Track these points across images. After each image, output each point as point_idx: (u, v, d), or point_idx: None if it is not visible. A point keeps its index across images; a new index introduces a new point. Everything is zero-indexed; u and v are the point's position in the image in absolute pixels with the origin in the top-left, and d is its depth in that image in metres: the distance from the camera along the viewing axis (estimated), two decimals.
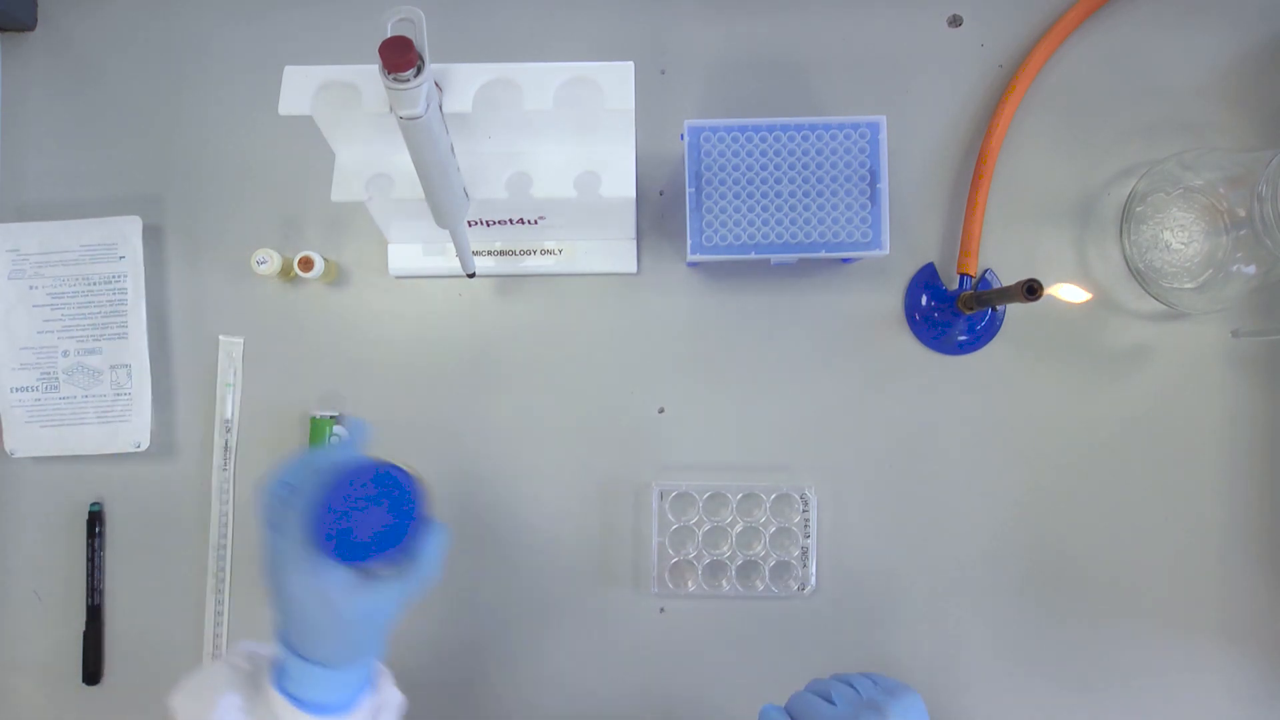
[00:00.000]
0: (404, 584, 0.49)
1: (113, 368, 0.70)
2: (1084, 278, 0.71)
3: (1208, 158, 0.67)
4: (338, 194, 0.60)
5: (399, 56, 0.45)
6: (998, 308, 0.70)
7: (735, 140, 0.63)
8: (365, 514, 0.48)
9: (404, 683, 0.65)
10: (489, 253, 0.70)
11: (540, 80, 0.55)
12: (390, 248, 0.70)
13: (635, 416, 0.70)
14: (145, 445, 0.69)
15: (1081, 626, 0.69)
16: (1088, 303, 0.70)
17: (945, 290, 0.70)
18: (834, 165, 0.63)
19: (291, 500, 0.48)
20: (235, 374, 0.71)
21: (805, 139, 0.63)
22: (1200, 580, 0.69)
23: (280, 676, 0.49)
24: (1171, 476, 0.69)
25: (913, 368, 0.70)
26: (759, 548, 0.68)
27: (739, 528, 0.68)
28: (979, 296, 0.65)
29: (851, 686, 0.53)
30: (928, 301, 0.70)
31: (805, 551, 0.68)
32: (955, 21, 0.72)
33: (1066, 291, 0.70)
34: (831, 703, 0.52)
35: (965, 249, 0.69)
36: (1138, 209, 0.69)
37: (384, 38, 0.45)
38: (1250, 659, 0.68)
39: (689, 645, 0.69)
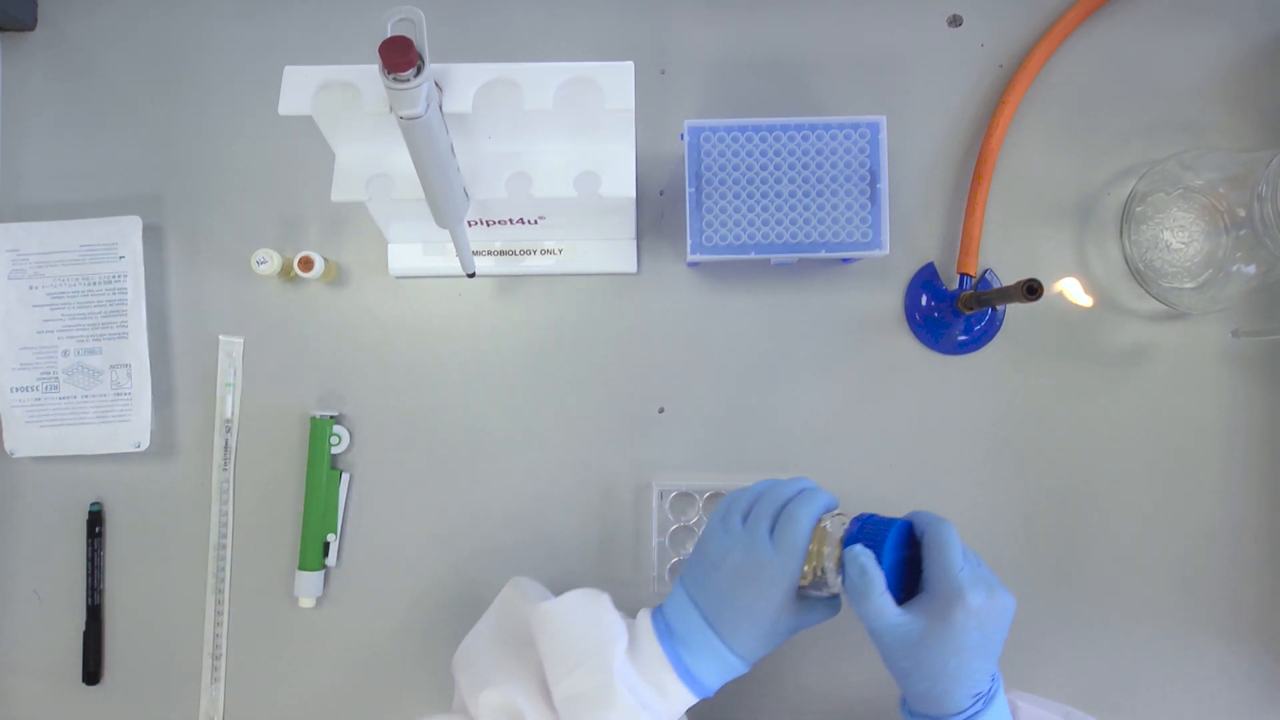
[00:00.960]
0: (829, 612, 0.54)
1: (113, 368, 0.70)
2: (1084, 278, 0.71)
3: (1208, 158, 0.67)
4: (338, 194, 0.60)
5: (399, 56, 0.45)
6: (998, 308, 0.70)
7: (735, 140, 0.63)
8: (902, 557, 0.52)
9: (404, 680, 0.65)
10: (489, 253, 0.70)
11: (540, 80, 0.55)
12: (390, 248, 0.70)
13: (635, 416, 0.70)
14: (145, 445, 0.69)
15: (1081, 625, 0.69)
16: (1087, 302, 0.70)
17: (945, 290, 0.70)
18: (834, 165, 0.63)
19: (794, 522, 0.51)
20: (235, 374, 0.71)
21: (805, 139, 0.63)
22: (1200, 580, 0.69)
23: (673, 640, 0.52)
24: (1171, 476, 0.69)
25: (913, 368, 0.70)
26: None
27: None
28: (979, 296, 0.65)
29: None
30: (928, 301, 0.70)
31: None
32: (955, 21, 0.72)
33: (1069, 286, 0.71)
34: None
35: (965, 249, 0.69)
36: (1138, 209, 0.69)
37: (384, 38, 0.45)
38: (1250, 658, 0.68)
39: None
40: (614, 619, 0.53)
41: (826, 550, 0.51)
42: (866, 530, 0.51)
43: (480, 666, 0.54)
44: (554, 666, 0.51)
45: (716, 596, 0.52)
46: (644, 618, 0.53)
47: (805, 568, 0.52)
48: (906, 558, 0.52)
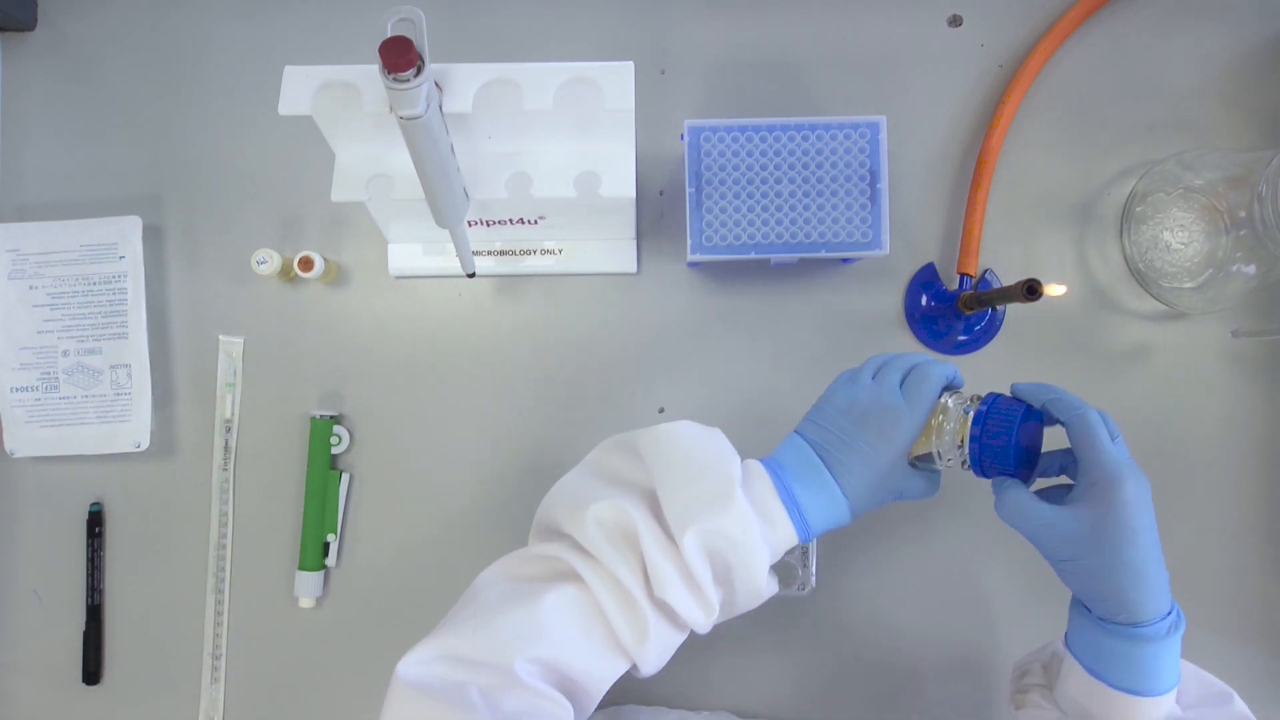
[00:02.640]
0: (929, 488, 0.54)
1: (113, 368, 0.70)
2: (1084, 278, 0.71)
3: (1208, 158, 0.67)
4: (338, 194, 0.60)
5: (399, 56, 0.45)
6: (998, 308, 0.70)
7: (735, 140, 0.63)
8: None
9: None
10: (489, 253, 0.70)
11: (540, 80, 0.55)
12: (390, 248, 0.70)
13: (635, 416, 0.70)
14: (145, 445, 0.69)
15: None
16: (1087, 303, 0.70)
17: (945, 290, 0.70)
18: (834, 165, 0.63)
19: (925, 378, 0.53)
20: (235, 374, 0.71)
21: (805, 139, 0.63)
22: (1201, 580, 0.69)
23: (784, 475, 0.52)
24: (1171, 476, 0.69)
25: None
26: None
27: None
28: (979, 296, 0.65)
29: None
30: (928, 301, 0.70)
31: (805, 551, 0.68)
32: (955, 21, 0.72)
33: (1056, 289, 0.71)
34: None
35: (965, 249, 0.69)
36: (1138, 209, 0.69)
37: (384, 38, 0.45)
38: (1252, 659, 0.68)
39: (688, 645, 0.69)
40: (729, 445, 0.53)
41: (948, 425, 0.52)
42: (996, 410, 0.51)
43: (582, 493, 0.54)
44: (669, 478, 0.51)
45: (836, 436, 0.52)
46: (752, 461, 0.53)
47: (922, 437, 0.53)
48: (1034, 431, 0.53)
